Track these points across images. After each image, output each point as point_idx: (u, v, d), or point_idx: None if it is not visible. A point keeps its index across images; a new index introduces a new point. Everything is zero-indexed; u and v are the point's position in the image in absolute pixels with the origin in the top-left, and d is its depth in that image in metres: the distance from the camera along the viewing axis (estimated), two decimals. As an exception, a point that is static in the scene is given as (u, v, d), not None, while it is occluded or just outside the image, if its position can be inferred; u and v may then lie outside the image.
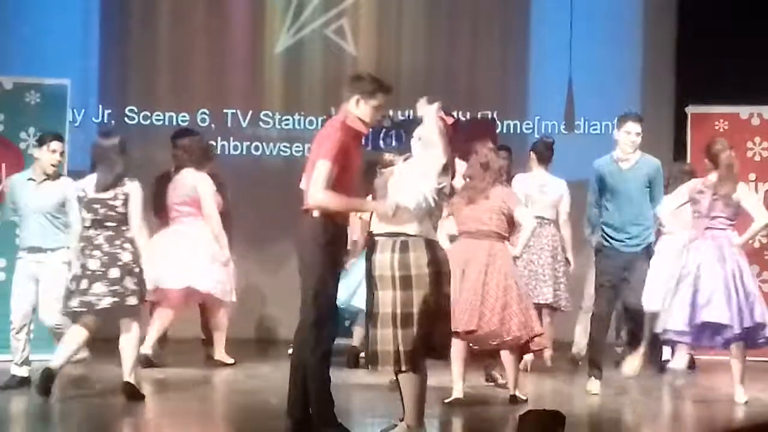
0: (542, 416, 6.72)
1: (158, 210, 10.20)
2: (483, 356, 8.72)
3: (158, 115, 12.36)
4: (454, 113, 12.23)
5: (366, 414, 7.92)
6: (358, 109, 6.95)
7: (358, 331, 10.08)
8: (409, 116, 11.52)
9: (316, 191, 6.78)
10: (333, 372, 6.99)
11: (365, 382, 9.16)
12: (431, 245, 6.68)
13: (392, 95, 7.22)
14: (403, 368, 6.65)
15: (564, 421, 6.65)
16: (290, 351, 7.31)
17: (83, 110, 12.18)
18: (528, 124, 12.68)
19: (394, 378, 6.89)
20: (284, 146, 12.63)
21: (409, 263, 6.63)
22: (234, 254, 10.66)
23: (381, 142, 11.92)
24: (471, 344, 8.32)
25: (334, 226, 6.90)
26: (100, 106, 12.42)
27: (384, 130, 12.04)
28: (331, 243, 6.86)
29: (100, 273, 8.01)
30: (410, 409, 6.71)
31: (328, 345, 6.93)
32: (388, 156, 9.25)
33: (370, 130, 7.30)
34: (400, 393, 6.78)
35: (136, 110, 12.46)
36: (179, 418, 8.06)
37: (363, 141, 7.30)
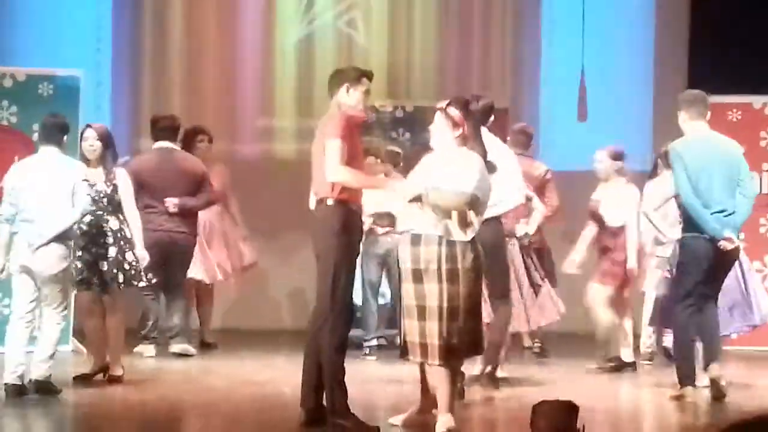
0: (556, 406, 6.72)
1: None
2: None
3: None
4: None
5: (379, 405, 7.93)
6: (349, 97, 7.02)
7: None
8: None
9: (335, 169, 6.80)
10: (347, 362, 7.00)
11: (380, 373, 9.18)
12: (473, 241, 6.75)
13: (385, 84, 7.25)
14: (439, 362, 6.71)
15: (578, 411, 6.65)
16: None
17: (96, 102, 12.23)
18: (540, 114, 12.66)
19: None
20: (297, 139, 12.63)
21: (456, 256, 6.68)
22: (248, 246, 10.81)
23: (393, 133, 11.92)
24: None
25: (349, 213, 6.91)
26: (112, 94, 12.47)
27: (396, 120, 12.04)
28: (345, 231, 6.88)
29: None
30: (445, 400, 6.78)
31: (344, 335, 6.96)
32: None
33: (375, 118, 7.35)
34: (423, 384, 6.85)
35: (150, 103, 12.47)
36: (193, 409, 8.07)
37: (362, 130, 7.35)
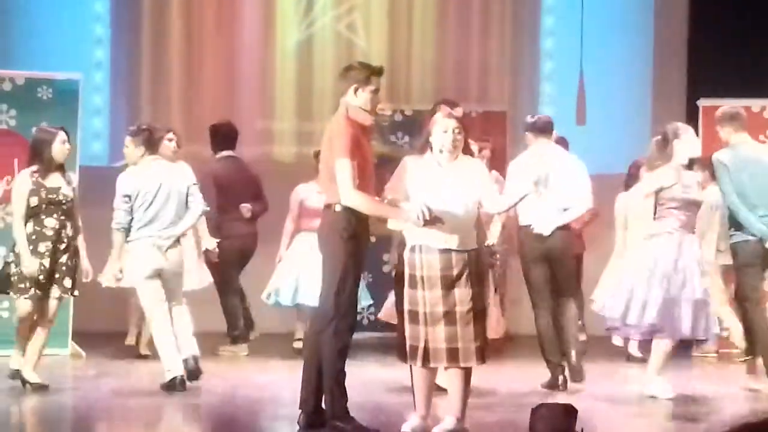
0: (554, 409, 6.74)
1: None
2: None
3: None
4: (465, 107, 12.38)
5: (379, 408, 7.92)
6: (357, 98, 7.03)
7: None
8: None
9: (348, 193, 6.83)
10: (347, 366, 7.00)
11: (380, 376, 9.18)
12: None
13: (395, 84, 7.26)
14: (476, 363, 6.75)
15: (576, 414, 6.66)
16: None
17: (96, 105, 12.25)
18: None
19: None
20: (296, 142, 12.63)
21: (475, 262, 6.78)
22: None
23: (392, 137, 11.93)
24: None
25: (357, 219, 6.92)
26: (111, 99, 12.49)
27: (395, 124, 12.05)
28: (352, 237, 6.90)
29: None
30: (460, 402, 6.82)
31: (347, 338, 6.97)
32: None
33: (375, 121, 7.32)
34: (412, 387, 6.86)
35: (149, 106, 12.47)
36: (192, 411, 8.08)
37: (371, 133, 7.33)
